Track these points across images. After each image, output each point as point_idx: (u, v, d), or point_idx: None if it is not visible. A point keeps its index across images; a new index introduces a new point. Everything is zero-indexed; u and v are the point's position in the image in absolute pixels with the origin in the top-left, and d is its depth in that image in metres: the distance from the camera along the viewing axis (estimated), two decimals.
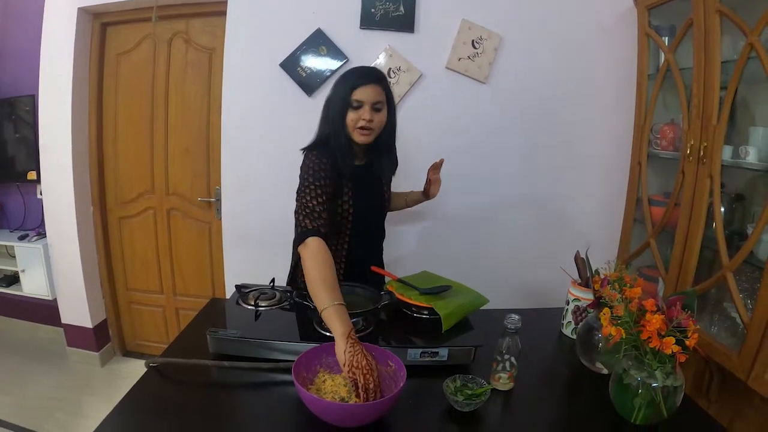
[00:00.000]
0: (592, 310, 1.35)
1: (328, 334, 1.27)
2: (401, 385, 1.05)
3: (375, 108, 1.42)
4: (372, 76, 1.42)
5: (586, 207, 2.47)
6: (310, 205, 1.37)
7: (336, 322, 1.12)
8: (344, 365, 1.05)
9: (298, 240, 1.34)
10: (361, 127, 1.42)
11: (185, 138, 2.61)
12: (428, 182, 1.78)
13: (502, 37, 2.24)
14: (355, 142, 1.46)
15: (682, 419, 1.12)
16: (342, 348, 1.07)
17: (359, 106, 1.41)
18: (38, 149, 2.62)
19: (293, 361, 1.09)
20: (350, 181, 1.51)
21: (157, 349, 2.92)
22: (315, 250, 1.28)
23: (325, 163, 1.42)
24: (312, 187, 1.39)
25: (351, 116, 1.41)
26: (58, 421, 2.36)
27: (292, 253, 1.67)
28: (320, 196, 1.38)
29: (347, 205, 1.52)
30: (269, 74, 2.26)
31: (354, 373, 1.03)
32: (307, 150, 1.49)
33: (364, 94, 1.40)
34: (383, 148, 1.55)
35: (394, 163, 1.62)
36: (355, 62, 2.22)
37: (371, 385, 1.02)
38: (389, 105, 1.48)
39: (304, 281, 1.28)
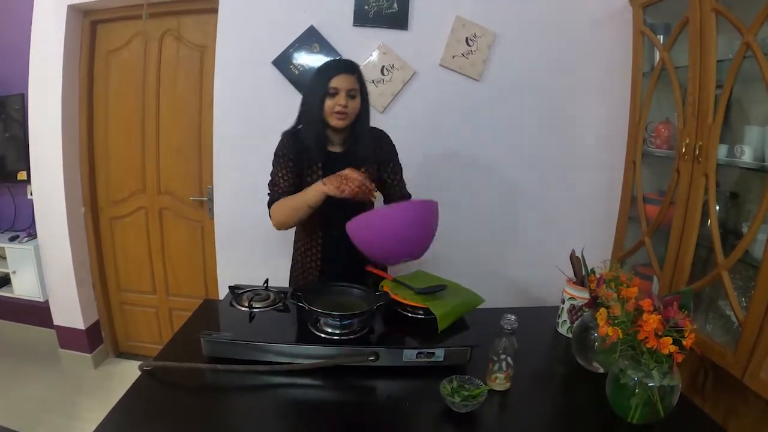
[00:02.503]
0: (587, 309, 1.35)
1: (323, 335, 1.28)
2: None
3: (350, 95, 1.53)
4: (346, 66, 1.55)
5: (581, 205, 2.47)
6: (273, 179, 1.64)
7: (310, 189, 1.48)
8: (331, 190, 1.41)
9: (268, 209, 1.63)
10: (337, 112, 1.52)
11: (177, 136, 2.59)
12: None
13: (496, 34, 2.23)
14: (331, 128, 1.58)
15: (678, 418, 1.12)
16: (321, 185, 1.44)
17: (335, 93, 1.52)
18: (28, 149, 2.58)
19: (288, 363, 1.08)
20: (322, 165, 1.62)
21: (151, 350, 2.90)
22: (273, 210, 1.61)
23: (285, 142, 1.63)
24: (275, 164, 1.64)
25: (328, 103, 1.53)
26: (51, 423, 2.34)
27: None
28: (281, 171, 1.62)
29: (317, 179, 1.59)
30: (261, 72, 2.24)
31: (342, 188, 1.40)
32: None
33: (339, 82, 1.51)
34: (358, 134, 1.63)
35: (374, 144, 1.69)
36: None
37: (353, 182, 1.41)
38: (362, 94, 1.59)
39: (300, 275, 1.72)
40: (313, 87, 1.56)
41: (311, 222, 1.66)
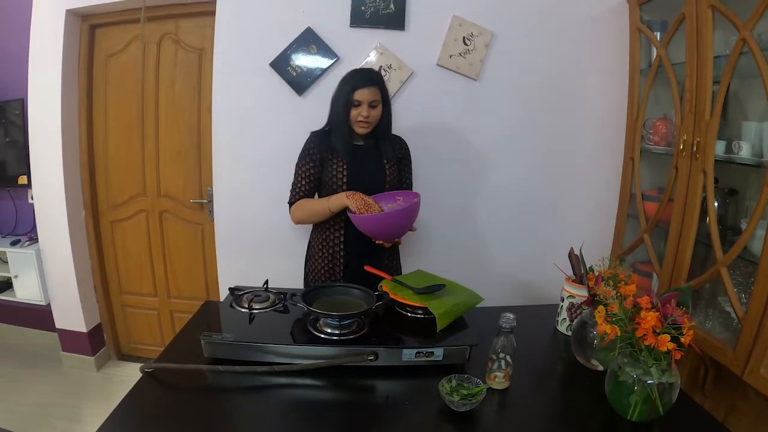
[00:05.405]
0: (586, 307, 1.35)
1: (322, 336, 1.28)
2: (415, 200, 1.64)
3: (371, 105, 1.69)
4: (369, 79, 1.69)
5: (580, 203, 2.47)
6: (295, 181, 1.81)
7: (334, 198, 1.68)
8: (352, 206, 1.61)
9: (289, 207, 1.84)
10: (360, 121, 1.70)
11: (176, 139, 2.59)
12: None
13: (493, 33, 2.23)
14: (356, 132, 1.76)
15: (677, 415, 1.12)
16: (345, 198, 1.63)
17: (359, 104, 1.68)
18: (28, 153, 2.59)
19: (288, 363, 1.09)
20: (347, 156, 1.76)
21: (153, 352, 2.90)
22: (294, 208, 1.81)
23: (312, 140, 1.80)
24: (298, 166, 1.81)
25: (353, 113, 1.70)
26: (54, 427, 2.35)
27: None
28: (303, 172, 1.78)
29: (342, 170, 1.76)
30: (259, 74, 2.24)
31: (359, 206, 1.60)
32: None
33: (362, 95, 1.67)
34: (381, 135, 1.82)
35: (394, 145, 1.87)
36: (346, 60, 2.22)
37: (371, 206, 1.63)
38: (384, 101, 1.75)
39: (312, 266, 1.89)
40: (338, 96, 1.73)
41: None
